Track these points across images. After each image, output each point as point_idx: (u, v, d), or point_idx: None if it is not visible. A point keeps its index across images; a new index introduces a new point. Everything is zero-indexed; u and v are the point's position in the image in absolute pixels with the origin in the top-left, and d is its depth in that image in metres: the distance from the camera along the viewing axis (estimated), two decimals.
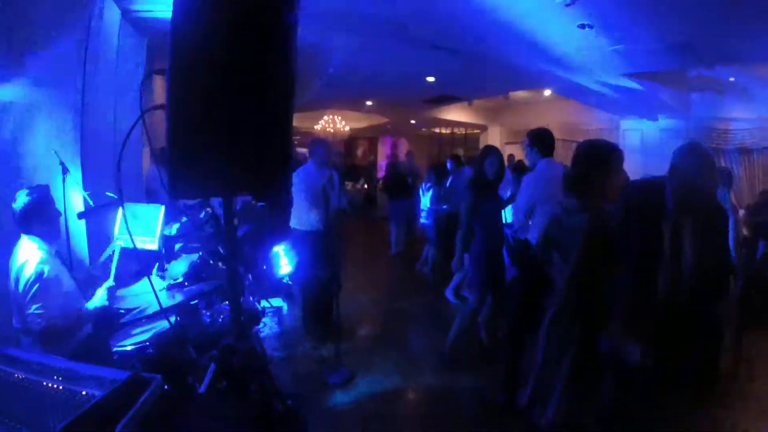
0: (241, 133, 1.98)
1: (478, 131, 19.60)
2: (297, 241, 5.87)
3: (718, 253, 2.95)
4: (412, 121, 19.10)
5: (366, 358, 5.22)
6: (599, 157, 3.04)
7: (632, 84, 9.67)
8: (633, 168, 11.42)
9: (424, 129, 21.68)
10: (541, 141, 4.57)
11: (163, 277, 4.08)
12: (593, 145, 3.27)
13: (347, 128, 18.29)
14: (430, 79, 10.97)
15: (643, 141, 12.39)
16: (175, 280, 3.93)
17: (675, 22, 6.27)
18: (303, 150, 23.84)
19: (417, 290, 7.94)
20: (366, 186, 18.85)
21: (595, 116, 13.78)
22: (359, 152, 25.19)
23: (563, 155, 15.09)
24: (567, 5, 5.69)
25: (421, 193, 8.86)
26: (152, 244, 3.97)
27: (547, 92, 13.73)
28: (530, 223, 4.32)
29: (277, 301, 6.47)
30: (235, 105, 1.95)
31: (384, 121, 19.22)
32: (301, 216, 5.62)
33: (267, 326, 5.84)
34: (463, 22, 6.51)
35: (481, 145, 18.73)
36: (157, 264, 4.17)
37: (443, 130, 21.61)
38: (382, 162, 24.12)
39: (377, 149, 25.36)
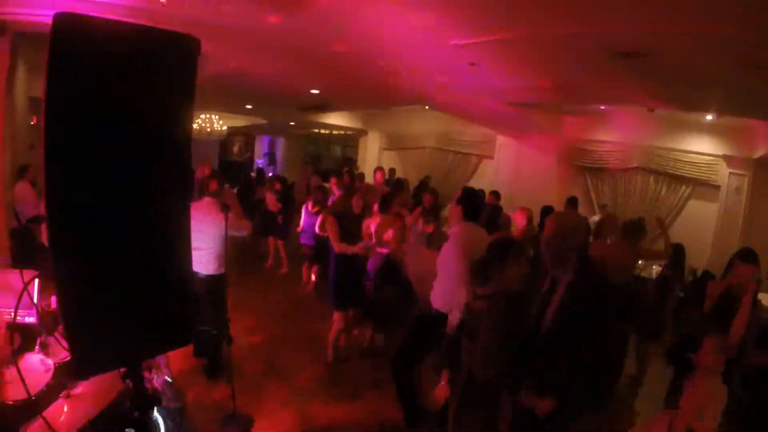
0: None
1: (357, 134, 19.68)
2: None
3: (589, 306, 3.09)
4: (292, 123, 18.88)
5: (255, 399, 5.14)
6: (499, 250, 3.16)
7: (509, 110, 10.21)
8: (506, 179, 12.21)
9: (301, 129, 21.45)
10: (467, 201, 4.47)
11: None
12: (494, 241, 3.40)
13: (225, 128, 17.75)
14: (315, 91, 10.92)
15: (517, 156, 13.01)
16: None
17: (550, 70, 6.76)
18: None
19: (302, 310, 7.90)
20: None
21: (472, 128, 14.11)
22: (235, 149, 24.53)
23: (440, 163, 15.68)
24: (460, 48, 5.89)
25: (303, 209, 8.72)
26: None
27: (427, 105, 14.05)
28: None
29: None
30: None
31: (262, 122, 18.88)
32: (198, 257, 5.31)
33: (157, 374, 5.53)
34: (356, 46, 6.55)
35: (361, 148, 19.01)
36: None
37: (322, 130, 21.56)
38: (259, 160, 23.71)
39: (254, 146, 24.86)
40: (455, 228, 4.44)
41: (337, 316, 5.88)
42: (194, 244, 5.20)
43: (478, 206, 4.60)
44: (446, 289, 4.26)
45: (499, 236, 4.28)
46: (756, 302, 4.32)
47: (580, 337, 2.95)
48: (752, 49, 4.65)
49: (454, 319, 4.05)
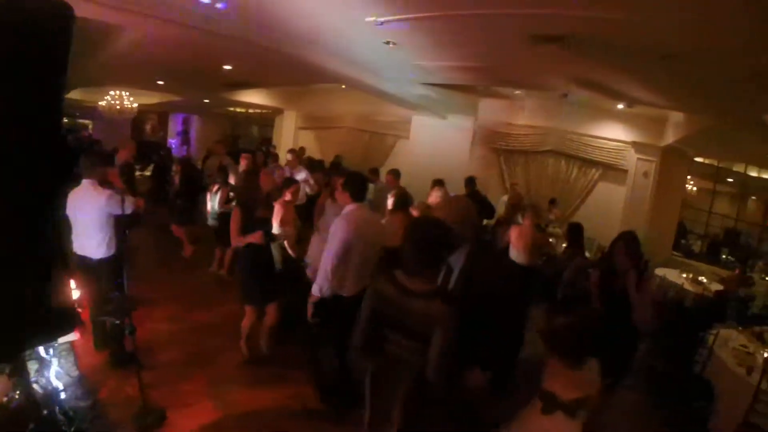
0: None
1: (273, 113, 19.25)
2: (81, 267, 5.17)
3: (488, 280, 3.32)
4: (206, 100, 18.21)
5: (174, 389, 4.86)
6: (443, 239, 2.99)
7: (426, 90, 10.19)
8: (422, 160, 12.30)
9: (217, 108, 20.79)
10: (353, 184, 4.53)
11: None
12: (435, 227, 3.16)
13: (135, 105, 16.87)
14: (227, 67, 10.55)
15: (433, 135, 13.10)
16: None
17: (468, 51, 6.72)
18: (86, 122, 21.84)
19: (216, 295, 7.52)
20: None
21: (389, 109, 14.10)
22: (148, 127, 23.50)
23: (356, 143, 15.56)
24: (377, 26, 5.76)
25: (208, 193, 8.35)
26: None
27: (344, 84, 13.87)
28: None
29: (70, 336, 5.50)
30: None
31: (176, 99, 18.10)
32: (84, 242, 5.01)
33: (62, 371, 5.07)
34: (268, 18, 6.32)
35: (277, 127, 18.62)
36: None
37: (238, 109, 20.97)
38: (171, 140, 22.84)
39: (167, 125, 23.89)
40: (347, 208, 4.43)
41: (247, 310, 5.48)
42: (79, 228, 4.93)
43: (364, 188, 4.64)
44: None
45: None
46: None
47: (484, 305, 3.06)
48: (665, 37, 4.74)
49: (315, 290, 4.25)
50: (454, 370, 2.88)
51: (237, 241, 5.23)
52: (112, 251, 5.07)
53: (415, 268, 2.81)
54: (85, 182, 4.89)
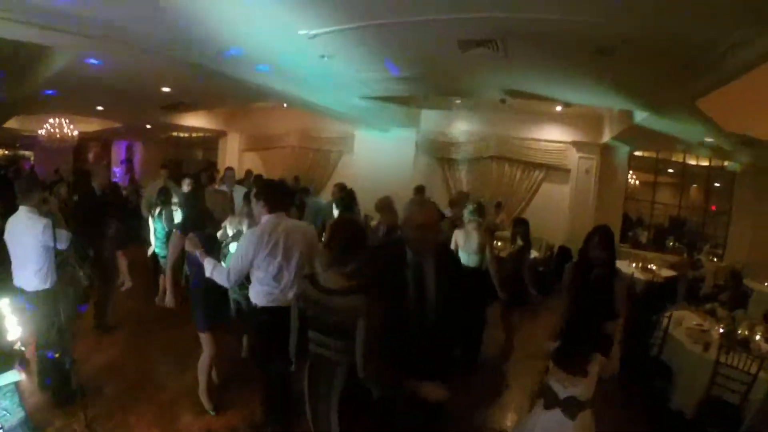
0: None
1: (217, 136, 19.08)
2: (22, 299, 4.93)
3: (452, 280, 3.32)
4: (148, 126, 17.91)
5: (121, 420, 4.70)
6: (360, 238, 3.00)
7: (367, 104, 10.29)
8: (367, 173, 12.45)
9: (160, 133, 20.54)
10: (267, 193, 4.28)
11: None
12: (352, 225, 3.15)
13: (76, 133, 16.50)
14: (166, 89, 10.48)
15: (376, 149, 13.26)
16: None
17: (401, 61, 6.83)
18: (27, 153, 21.24)
19: (160, 320, 7.22)
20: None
21: (332, 125, 14.30)
22: (91, 156, 22.93)
23: (301, 161, 15.54)
24: (310, 38, 5.81)
25: (150, 217, 7.84)
26: None
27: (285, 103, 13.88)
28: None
29: (13, 375, 5.15)
30: None
31: (117, 125, 17.76)
32: (24, 274, 4.75)
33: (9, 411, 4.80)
34: (203, 37, 6.30)
35: (221, 150, 18.48)
36: None
37: (182, 134, 20.68)
38: (116, 168, 22.41)
39: (111, 153, 23.38)
40: (262, 219, 4.23)
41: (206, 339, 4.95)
42: (17, 260, 4.67)
43: (282, 196, 4.42)
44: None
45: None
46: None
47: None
48: (596, 34, 4.89)
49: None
50: (400, 378, 2.90)
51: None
52: (48, 284, 4.77)
53: (333, 264, 2.85)
54: (22, 210, 4.68)
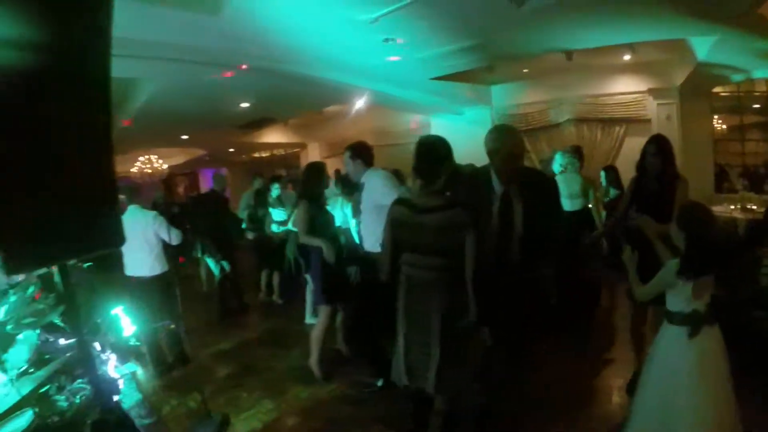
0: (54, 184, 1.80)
1: (298, 149, 19.72)
2: (135, 288, 5.62)
3: (547, 218, 3.36)
4: (231, 149, 18.72)
5: (233, 396, 5.11)
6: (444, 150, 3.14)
7: (437, 87, 10.42)
8: None
9: (243, 156, 21.33)
10: (362, 152, 5.24)
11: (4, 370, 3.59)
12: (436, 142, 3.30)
13: (165, 166, 17.50)
14: (245, 104, 10.92)
15: (454, 133, 13.18)
16: (20, 369, 3.49)
17: (465, 30, 6.89)
18: (121, 196, 22.51)
19: (264, 317, 7.96)
20: None
21: (407, 118, 14.51)
22: (180, 190, 24.10)
23: (379, 158, 15.65)
24: (372, 23, 5.97)
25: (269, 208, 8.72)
26: None
27: (359, 101, 14.14)
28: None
29: (130, 366, 5.88)
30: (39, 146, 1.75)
31: (202, 153, 18.66)
32: (135, 262, 5.57)
33: (127, 395, 5.38)
34: (273, 44, 6.61)
35: (303, 163, 18.94)
36: None
37: (263, 154, 21.41)
38: None
39: (199, 184, 24.47)
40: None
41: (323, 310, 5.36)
42: (130, 252, 5.38)
43: (370, 152, 5.43)
44: None
45: None
46: None
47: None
48: None
49: None
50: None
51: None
52: (159, 270, 5.68)
53: (424, 184, 2.97)
54: (130, 207, 5.61)
